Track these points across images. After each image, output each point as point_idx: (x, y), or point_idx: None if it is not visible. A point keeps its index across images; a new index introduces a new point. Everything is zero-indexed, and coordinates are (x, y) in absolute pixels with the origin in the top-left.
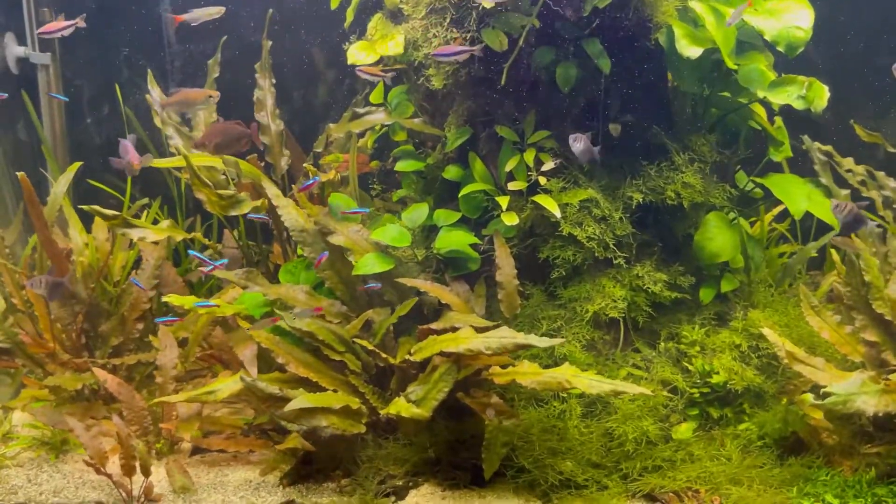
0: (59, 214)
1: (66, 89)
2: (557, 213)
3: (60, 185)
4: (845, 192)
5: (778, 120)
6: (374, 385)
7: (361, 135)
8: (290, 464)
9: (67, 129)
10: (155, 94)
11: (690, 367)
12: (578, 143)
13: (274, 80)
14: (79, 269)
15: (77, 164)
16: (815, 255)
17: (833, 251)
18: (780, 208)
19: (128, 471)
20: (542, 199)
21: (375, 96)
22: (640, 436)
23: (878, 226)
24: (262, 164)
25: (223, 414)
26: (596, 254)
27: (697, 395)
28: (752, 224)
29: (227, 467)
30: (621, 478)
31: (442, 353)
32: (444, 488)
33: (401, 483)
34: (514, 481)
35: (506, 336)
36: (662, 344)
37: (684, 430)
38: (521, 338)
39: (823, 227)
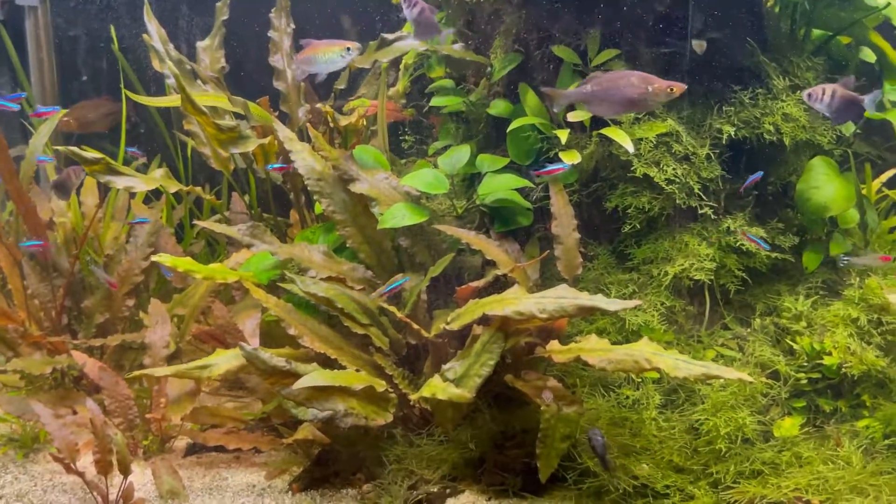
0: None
1: (56, 37)
2: (630, 147)
3: (40, 137)
4: None
5: (895, 54)
6: (404, 368)
7: (392, 84)
8: (302, 465)
9: (59, 84)
10: (152, 28)
11: (795, 347)
12: (412, 8)
13: (291, 20)
14: (59, 234)
15: (61, 112)
16: None
17: None
18: (891, 172)
19: (103, 468)
20: (612, 132)
21: (408, 26)
22: (735, 432)
23: None
24: (276, 114)
25: (229, 408)
26: (677, 201)
27: (805, 381)
28: None
29: (227, 469)
30: (711, 485)
31: (485, 318)
32: (490, 496)
33: (436, 489)
34: (577, 487)
35: (565, 296)
36: (758, 319)
37: (789, 426)
38: (585, 298)
39: None
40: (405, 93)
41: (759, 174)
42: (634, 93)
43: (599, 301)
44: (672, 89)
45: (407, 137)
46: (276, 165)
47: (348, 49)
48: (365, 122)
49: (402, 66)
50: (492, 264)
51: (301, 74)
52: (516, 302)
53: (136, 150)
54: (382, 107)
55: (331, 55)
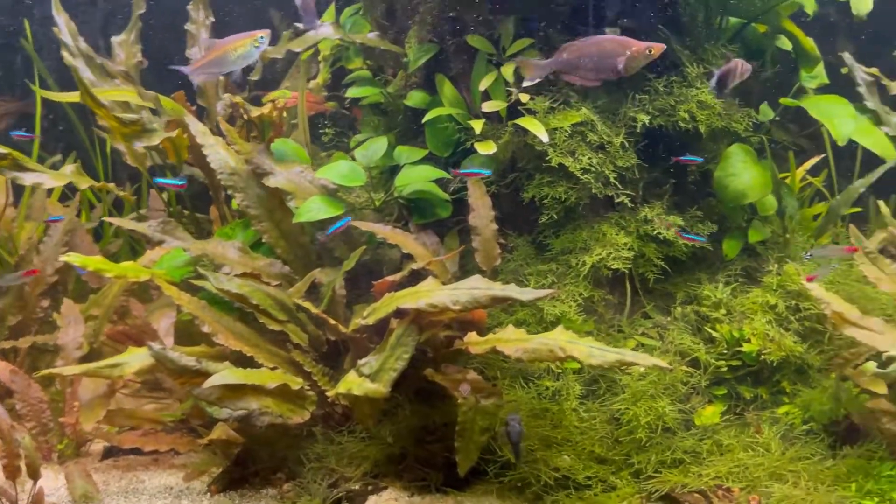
0: None
1: None
2: (544, 137)
3: None
4: None
5: (809, 42)
6: (324, 364)
7: (314, 76)
8: (222, 466)
9: None
10: (61, 21)
11: (715, 335)
12: None
13: (210, 13)
14: None
15: None
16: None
17: (881, 203)
18: (814, 160)
19: (11, 473)
20: (526, 122)
21: (327, 18)
22: (655, 421)
23: None
24: (193, 108)
25: (146, 410)
26: (594, 191)
27: (725, 369)
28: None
29: (145, 471)
30: (632, 475)
31: (399, 311)
32: (412, 492)
33: (357, 487)
34: (499, 480)
35: (478, 287)
36: (679, 308)
37: (710, 414)
38: (498, 289)
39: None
40: (326, 84)
41: (700, 160)
42: (613, 58)
43: (512, 291)
44: (651, 50)
45: (327, 130)
46: (168, 181)
47: (261, 38)
48: (285, 115)
49: (320, 58)
50: (410, 258)
51: (212, 77)
52: (430, 294)
53: (24, 134)
54: (302, 99)
55: (243, 50)
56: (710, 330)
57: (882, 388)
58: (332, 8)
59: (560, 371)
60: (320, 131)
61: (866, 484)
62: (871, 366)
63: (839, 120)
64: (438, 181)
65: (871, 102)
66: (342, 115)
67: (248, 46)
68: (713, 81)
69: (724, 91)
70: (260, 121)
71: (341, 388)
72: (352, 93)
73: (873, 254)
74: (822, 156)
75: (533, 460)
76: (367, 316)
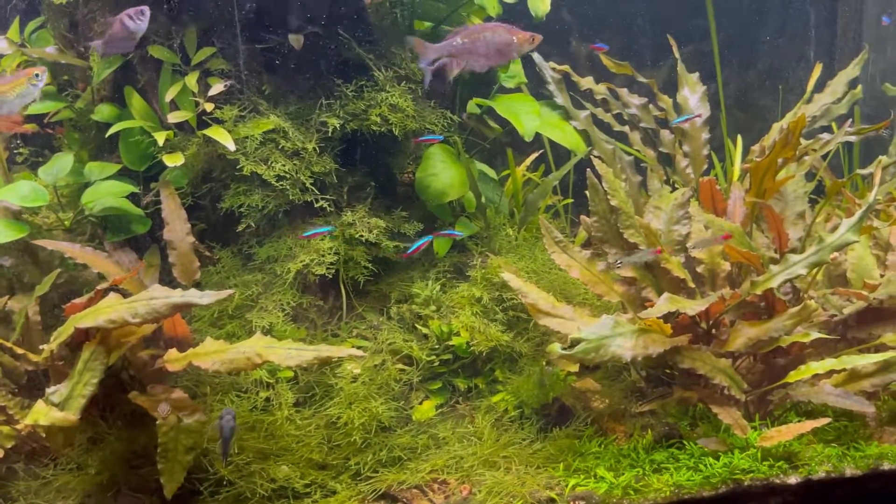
0: None
1: None
2: (230, 145)
3: None
4: (585, 113)
5: None
6: (27, 396)
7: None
8: None
9: None
10: None
11: (426, 331)
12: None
13: None
14: None
15: None
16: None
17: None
18: (535, 154)
19: None
20: (213, 132)
21: (13, 33)
22: (370, 422)
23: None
24: None
25: None
26: (291, 197)
27: (438, 363)
28: (503, 179)
29: None
30: (352, 477)
31: (79, 332)
32: None
33: None
34: (214, 498)
35: (156, 297)
36: (394, 307)
37: (426, 409)
38: (178, 296)
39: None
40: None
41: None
42: (501, 42)
43: (192, 296)
44: (534, 39)
45: (21, 150)
46: None
47: (37, 75)
48: None
49: (8, 75)
50: (105, 277)
51: None
52: (109, 310)
53: None
54: None
55: (21, 89)
56: (422, 327)
57: (574, 367)
58: (17, 22)
59: (273, 381)
60: (15, 152)
61: (574, 462)
62: (556, 347)
63: (524, 117)
64: (132, 196)
65: (561, 99)
66: (42, 135)
67: (25, 86)
68: (427, 78)
69: (444, 83)
70: None
71: (29, 419)
72: (33, 109)
73: (563, 242)
74: (541, 151)
75: (249, 473)
76: (53, 341)
